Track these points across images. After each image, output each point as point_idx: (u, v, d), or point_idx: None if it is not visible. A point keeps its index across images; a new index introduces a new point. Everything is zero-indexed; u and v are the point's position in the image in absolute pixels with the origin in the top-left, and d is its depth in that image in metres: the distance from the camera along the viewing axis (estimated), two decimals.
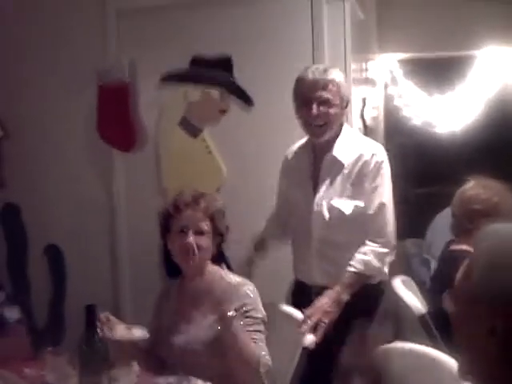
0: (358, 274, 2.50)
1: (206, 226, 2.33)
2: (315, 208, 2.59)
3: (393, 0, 4.41)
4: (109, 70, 3.35)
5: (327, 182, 2.60)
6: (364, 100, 3.56)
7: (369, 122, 3.78)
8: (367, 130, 3.74)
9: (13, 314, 2.71)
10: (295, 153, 2.79)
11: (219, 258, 2.46)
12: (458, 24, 4.21)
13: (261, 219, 3.14)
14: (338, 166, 2.60)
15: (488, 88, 4.50)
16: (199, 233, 2.32)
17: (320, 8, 3.11)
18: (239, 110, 3.21)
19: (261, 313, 2.31)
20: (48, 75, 3.59)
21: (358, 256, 2.50)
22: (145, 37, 3.36)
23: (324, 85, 2.55)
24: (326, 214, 2.56)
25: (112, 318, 2.24)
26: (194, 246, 2.31)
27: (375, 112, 4.34)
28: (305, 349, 2.36)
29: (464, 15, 4.22)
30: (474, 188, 2.73)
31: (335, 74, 2.59)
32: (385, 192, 2.57)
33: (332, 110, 2.55)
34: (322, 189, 2.61)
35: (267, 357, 2.21)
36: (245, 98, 3.18)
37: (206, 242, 2.33)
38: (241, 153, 3.23)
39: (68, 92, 3.55)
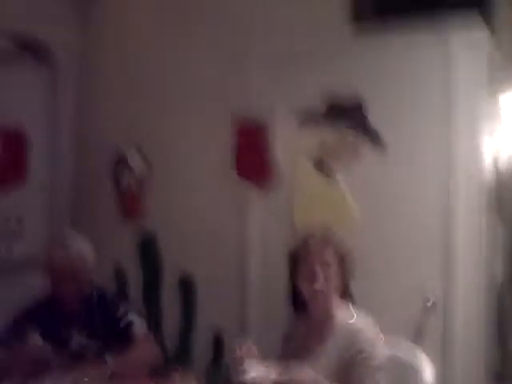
0: None
1: (333, 262, 2.39)
2: None
3: None
4: (249, 114, 3.51)
5: None
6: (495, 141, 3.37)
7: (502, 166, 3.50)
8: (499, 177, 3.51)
9: (139, 321, 2.81)
10: None
11: (346, 298, 2.50)
12: None
13: (394, 261, 3.12)
14: None
15: None
16: (325, 265, 2.39)
17: (457, 56, 3.08)
18: (372, 152, 3.24)
19: (378, 360, 2.31)
20: (188, 112, 3.81)
21: None
22: (280, 81, 3.46)
23: None
24: None
25: (254, 351, 2.32)
26: (320, 274, 2.36)
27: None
28: None
29: None
30: None
31: None
32: None
33: None
34: None
35: None
36: (378, 141, 3.22)
37: (332, 274, 2.39)
38: (374, 196, 3.24)
39: (207, 129, 3.73)
